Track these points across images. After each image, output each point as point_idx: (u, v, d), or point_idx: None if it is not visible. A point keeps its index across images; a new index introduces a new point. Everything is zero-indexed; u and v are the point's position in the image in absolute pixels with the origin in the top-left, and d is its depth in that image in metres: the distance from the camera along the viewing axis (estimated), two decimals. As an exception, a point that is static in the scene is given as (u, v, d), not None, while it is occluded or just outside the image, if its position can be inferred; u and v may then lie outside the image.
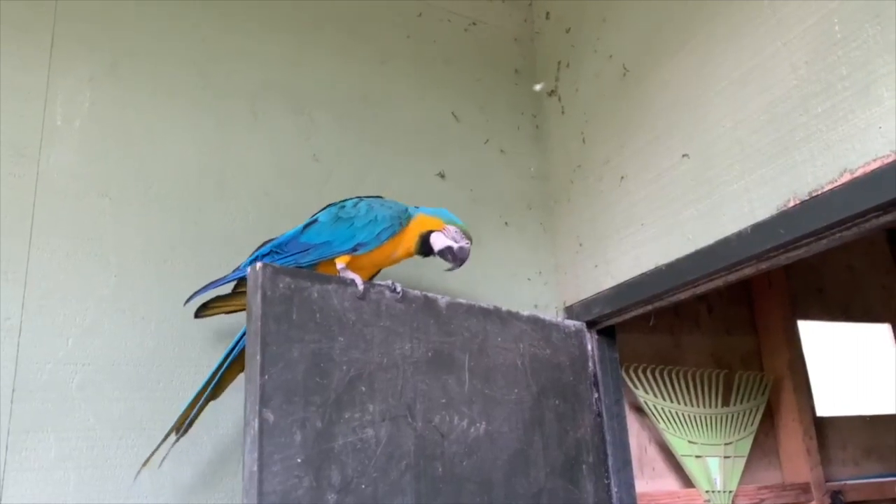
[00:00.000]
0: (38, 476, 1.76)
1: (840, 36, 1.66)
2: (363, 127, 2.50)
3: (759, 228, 1.84)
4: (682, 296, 2.14)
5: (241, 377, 1.85)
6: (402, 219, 1.97)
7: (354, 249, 1.90)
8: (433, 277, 2.42)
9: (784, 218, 1.76)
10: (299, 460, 1.61)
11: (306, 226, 1.95)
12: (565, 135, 2.72)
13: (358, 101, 2.53)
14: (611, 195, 2.43)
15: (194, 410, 1.86)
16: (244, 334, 1.76)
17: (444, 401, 1.95)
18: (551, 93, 2.84)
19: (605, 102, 2.51)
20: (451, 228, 2.00)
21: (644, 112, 2.30)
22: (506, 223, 2.69)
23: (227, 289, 1.99)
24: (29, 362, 1.83)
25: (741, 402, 3.04)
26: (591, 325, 2.46)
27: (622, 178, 2.38)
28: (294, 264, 1.87)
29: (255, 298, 1.67)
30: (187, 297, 1.97)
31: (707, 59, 2.05)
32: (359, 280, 1.86)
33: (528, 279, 2.66)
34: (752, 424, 3.02)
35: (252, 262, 1.81)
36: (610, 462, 2.35)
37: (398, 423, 1.82)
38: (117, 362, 1.93)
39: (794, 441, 3.11)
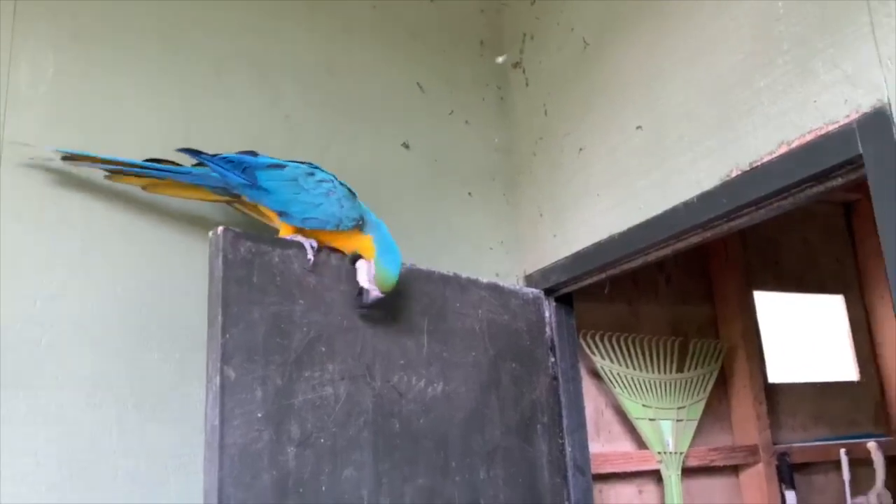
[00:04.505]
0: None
1: (783, 11, 1.73)
2: (328, 97, 2.53)
3: (705, 198, 1.92)
4: (633, 264, 2.23)
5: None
6: (357, 220, 1.95)
7: (303, 222, 1.92)
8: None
9: (726, 188, 1.85)
10: (260, 415, 1.68)
11: (271, 166, 1.96)
12: (529, 107, 2.78)
13: (323, 71, 2.55)
14: (570, 167, 2.50)
15: None
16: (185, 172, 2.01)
17: (402, 362, 2.03)
18: (516, 65, 2.89)
19: (566, 75, 2.56)
20: (374, 269, 1.90)
21: (602, 85, 2.36)
22: (469, 194, 2.75)
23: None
24: (-4, 323, 1.87)
25: (695, 369, 3.16)
26: (548, 292, 2.54)
27: (580, 149, 2.45)
28: (232, 182, 1.96)
29: (216, 261, 1.72)
30: (152, 258, 2.03)
31: (661, 32, 2.11)
32: (314, 244, 1.91)
33: (491, 248, 2.73)
34: (704, 390, 3.14)
35: (206, 162, 1.98)
36: (565, 423, 2.45)
37: (357, 382, 1.90)
38: (84, 324, 1.97)
39: (744, 406, 3.25)
